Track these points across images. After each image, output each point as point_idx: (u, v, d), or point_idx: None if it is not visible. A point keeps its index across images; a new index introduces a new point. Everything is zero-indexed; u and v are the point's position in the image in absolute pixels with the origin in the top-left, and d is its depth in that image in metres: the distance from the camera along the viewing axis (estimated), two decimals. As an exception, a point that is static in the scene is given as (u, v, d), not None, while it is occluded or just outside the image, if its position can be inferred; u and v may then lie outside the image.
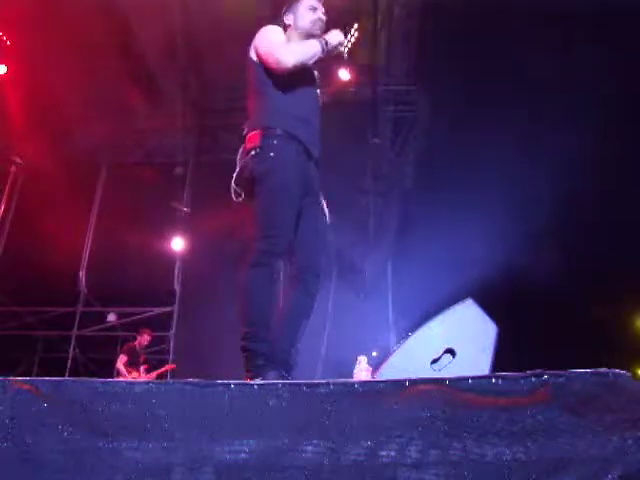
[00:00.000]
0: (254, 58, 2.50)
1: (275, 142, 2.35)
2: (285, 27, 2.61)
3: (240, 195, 2.40)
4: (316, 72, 2.67)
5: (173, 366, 7.63)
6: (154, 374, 7.29)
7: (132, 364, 7.19)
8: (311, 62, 2.48)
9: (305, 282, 2.36)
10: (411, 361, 3.42)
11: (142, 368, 7.33)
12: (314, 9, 2.60)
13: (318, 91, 2.62)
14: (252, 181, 2.35)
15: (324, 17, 2.61)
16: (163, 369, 7.46)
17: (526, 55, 6.57)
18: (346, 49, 2.61)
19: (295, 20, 2.60)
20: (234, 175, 2.41)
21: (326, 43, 2.48)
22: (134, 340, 7.46)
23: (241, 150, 2.44)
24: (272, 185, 2.32)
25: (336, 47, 2.54)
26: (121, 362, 7.11)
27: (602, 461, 1.22)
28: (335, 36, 2.55)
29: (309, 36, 2.57)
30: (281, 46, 2.44)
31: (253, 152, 2.36)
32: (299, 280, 2.37)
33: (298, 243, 2.40)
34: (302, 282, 2.36)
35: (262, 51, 2.46)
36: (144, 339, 7.43)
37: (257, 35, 2.50)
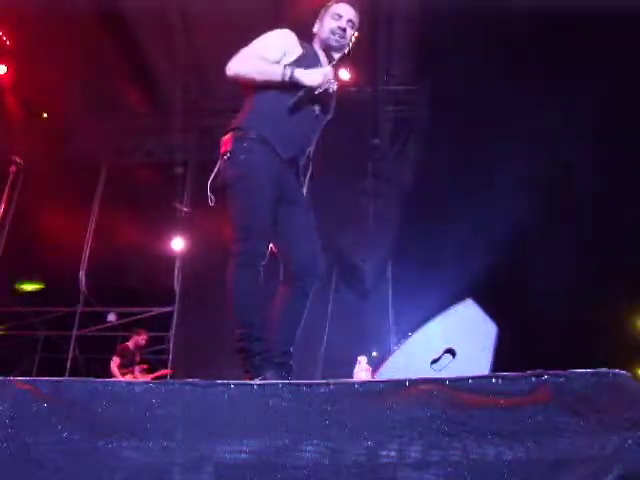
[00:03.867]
0: None
1: (246, 145, 2.36)
2: (312, 36, 2.60)
3: (212, 200, 2.44)
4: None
5: (170, 371, 7.57)
6: (149, 377, 7.21)
7: (126, 366, 7.11)
8: (259, 81, 2.37)
9: (299, 282, 2.37)
10: (411, 361, 3.43)
11: (137, 368, 7.26)
12: (338, 17, 2.53)
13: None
14: (225, 185, 2.38)
15: (344, 25, 2.52)
16: (159, 373, 7.40)
17: (527, 56, 6.58)
18: (325, 87, 2.38)
19: (319, 29, 2.58)
20: (209, 180, 2.44)
21: (290, 76, 2.31)
22: (127, 341, 7.38)
23: (219, 155, 2.47)
24: (244, 188, 2.33)
25: (306, 86, 2.32)
26: (114, 364, 7.03)
27: (602, 461, 1.22)
28: (311, 75, 2.34)
29: (326, 47, 2.54)
30: (247, 52, 2.39)
31: (225, 156, 2.40)
32: (294, 280, 2.38)
33: (287, 244, 2.41)
34: (296, 282, 2.37)
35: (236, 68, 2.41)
36: (141, 339, 7.36)
37: None
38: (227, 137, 2.43)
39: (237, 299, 2.26)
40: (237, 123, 2.45)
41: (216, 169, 2.45)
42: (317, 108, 2.50)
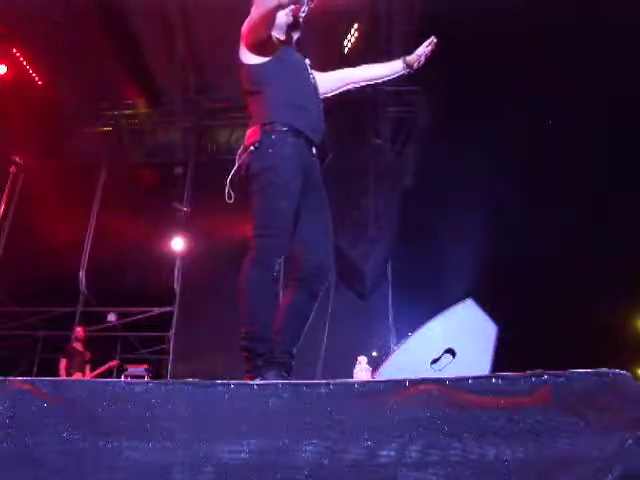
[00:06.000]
0: (243, 60, 2.48)
1: (274, 137, 2.31)
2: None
3: (231, 197, 2.37)
4: (307, 60, 2.64)
5: (117, 362, 7.53)
6: (96, 372, 7.16)
7: (74, 365, 7.05)
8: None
9: (308, 282, 2.33)
10: (411, 361, 3.43)
11: (88, 367, 7.19)
12: None
13: (312, 77, 2.58)
14: (250, 178, 2.32)
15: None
16: (106, 366, 7.35)
17: (526, 55, 6.58)
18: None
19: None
20: (232, 172, 2.37)
21: None
22: (72, 342, 7.33)
23: (241, 148, 2.41)
24: (270, 181, 2.28)
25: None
26: (61, 366, 7.02)
27: (602, 461, 1.21)
28: None
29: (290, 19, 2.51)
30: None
31: (252, 148, 2.33)
32: (302, 280, 2.33)
33: (301, 242, 2.35)
34: (305, 282, 2.33)
35: (249, 22, 2.38)
36: (78, 333, 7.31)
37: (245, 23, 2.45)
38: (253, 129, 2.37)
39: (247, 297, 2.22)
40: (261, 117, 2.39)
41: (239, 162, 2.37)
42: (311, 77, 2.55)
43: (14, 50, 7.64)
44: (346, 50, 7.52)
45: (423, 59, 2.65)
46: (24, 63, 7.84)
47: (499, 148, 6.90)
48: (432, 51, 2.64)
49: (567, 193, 7.42)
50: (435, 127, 7.87)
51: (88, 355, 7.32)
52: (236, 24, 2.46)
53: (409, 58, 2.66)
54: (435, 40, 2.62)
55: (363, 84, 2.82)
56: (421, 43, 2.69)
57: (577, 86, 6.40)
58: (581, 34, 6.03)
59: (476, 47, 6.38)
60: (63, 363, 7.04)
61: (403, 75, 2.73)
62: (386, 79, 2.77)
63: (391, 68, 2.72)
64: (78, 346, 7.26)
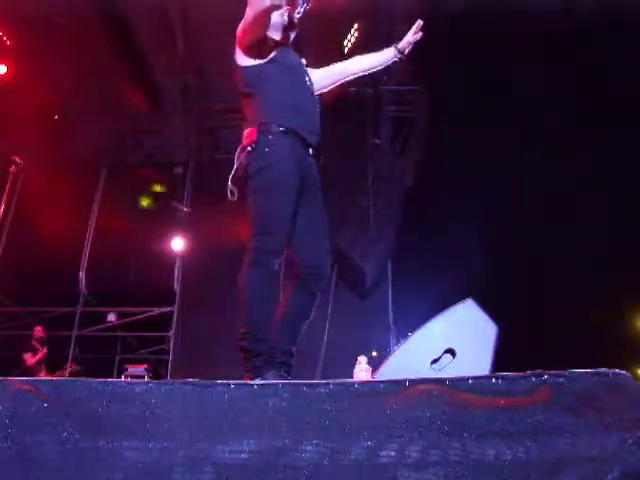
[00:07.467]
0: (238, 61, 2.49)
1: (271, 137, 2.34)
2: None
3: (234, 194, 2.38)
4: (304, 60, 2.66)
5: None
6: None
7: (40, 360, 7.50)
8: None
9: (306, 281, 2.34)
10: (411, 361, 3.42)
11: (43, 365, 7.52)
12: None
13: (308, 78, 2.60)
14: (247, 178, 2.34)
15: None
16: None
17: (527, 55, 6.58)
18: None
19: None
20: (231, 172, 2.39)
21: None
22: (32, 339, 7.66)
23: (239, 148, 2.43)
24: (268, 181, 2.30)
25: None
26: (27, 357, 7.44)
27: (602, 461, 1.21)
28: None
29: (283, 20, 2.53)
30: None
31: (249, 148, 2.36)
32: (300, 279, 2.35)
33: (298, 241, 2.37)
34: (303, 281, 2.34)
35: (244, 23, 2.40)
36: (36, 332, 7.66)
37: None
38: (250, 130, 2.40)
39: (246, 297, 2.23)
40: (258, 118, 2.42)
41: (237, 162, 2.39)
42: (307, 79, 2.57)
43: (14, 50, 7.63)
44: (346, 50, 7.52)
45: (412, 45, 2.71)
46: (24, 63, 7.83)
47: (500, 147, 6.90)
48: (421, 35, 2.69)
49: (568, 193, 7.42)
50: (435, 127, 7.87)
51: (44, 353, 7.62)
52: (236, 24, 2.47)
53: (400, 45, 2.71)
54: (422, 23, 2.66)
55: (359, 75, 2.86)
56: (422, 42, 2.72)
57: (577, 85, 6.40)
58: (581, 32, 6.04)
59: (476, 46, 6.38)
60: (29, 355, 7.43)
61: (397, 62, 2.79)
62: (380, 67, 2.82)
63: (384, 57, 2.76)
64: (36, 344, 7.55)
